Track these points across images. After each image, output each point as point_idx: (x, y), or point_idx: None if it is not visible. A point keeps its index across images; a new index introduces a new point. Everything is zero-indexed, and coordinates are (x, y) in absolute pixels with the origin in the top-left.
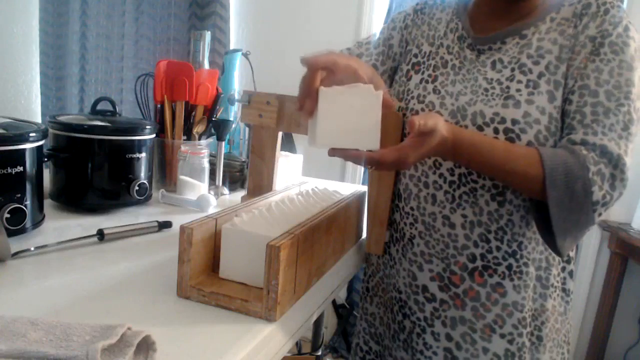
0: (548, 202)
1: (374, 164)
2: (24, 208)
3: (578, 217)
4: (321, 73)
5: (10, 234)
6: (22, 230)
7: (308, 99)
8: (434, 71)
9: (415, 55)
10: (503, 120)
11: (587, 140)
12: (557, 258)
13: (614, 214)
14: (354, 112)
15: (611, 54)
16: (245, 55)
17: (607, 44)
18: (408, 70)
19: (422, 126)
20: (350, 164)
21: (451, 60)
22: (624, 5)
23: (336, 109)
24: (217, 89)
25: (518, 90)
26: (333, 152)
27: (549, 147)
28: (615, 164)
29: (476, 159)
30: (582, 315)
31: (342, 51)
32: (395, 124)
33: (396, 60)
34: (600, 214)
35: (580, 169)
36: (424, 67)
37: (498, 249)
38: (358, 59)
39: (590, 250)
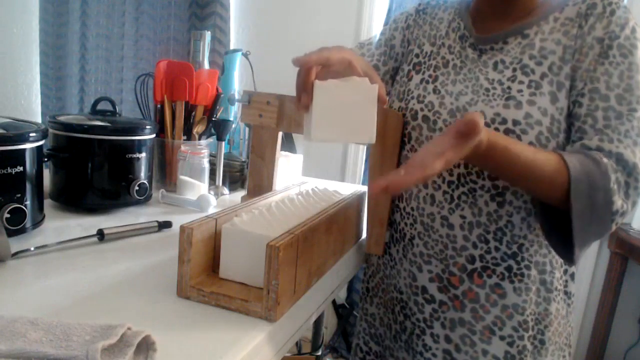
0: (571, 214)
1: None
2: (24, 208)
3: (597, 229)
4: (316, 67)
5: (10, 234)
6: (22, 230)
7: (304, 93)
8: (434, 71)
9: (417, 55)
10: (504, 121)
11: (602, 147)
12: (560, 261)
13: None
14: (350, 106)
15: (620, 57)
16: (245, 55)
17: (616, 47)
18: (409, 71)
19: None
20: (349, 164)
21: (452, 60)
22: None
23: (331, 102)
24: (217, 89)
25: (520, 91)
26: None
27: (572, 152)
28: (630, 172)
29: (506, 163)
30: (582, 315)
31: None
32: (396, 125)
33: (398, 60)
34: (617, 224)
35: (602, 179)
36: (424, 67)
37: (497, 249)
38: (350, 50)
39: (590, 250)
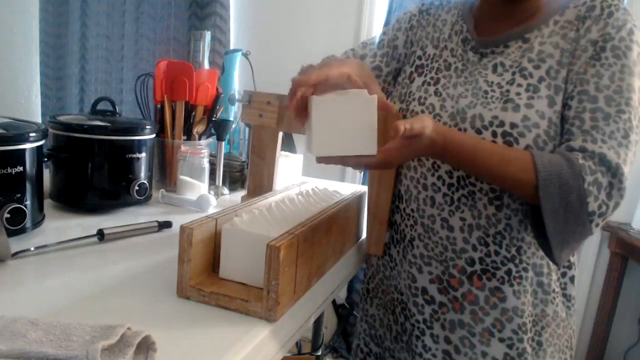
0: (542, 214)
1: (359, 164)
2: (24, 208)
3: (574, 228)
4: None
5: (10, 234)
6: (22, 230)
7: (298, 106)
8: (436, 74)
9: (419, 58)
10: (501, 124)
11: (586, 147)
12: None
13: (614, 214)
14: (349, 119)
15: (613, 59)
16: (245, 55)
17: (609, 48)
18: (411, 73)
19: (408, 131)
20: None
21: (454, 62)
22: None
23: (330, 117)
24: (217, 89)
25: (518, 94)
26: (319, 160)
27: (547, 151)
28: (614, 173)
29: (467, 160)
30: (582, 315)
31: (347, 52)
32: None
33: (401, 61)
34: (598, 225)
35: (575, 179)
36: (427, 70)
37: (497, 253)
38: (351, 62)
39: (590, 250)
